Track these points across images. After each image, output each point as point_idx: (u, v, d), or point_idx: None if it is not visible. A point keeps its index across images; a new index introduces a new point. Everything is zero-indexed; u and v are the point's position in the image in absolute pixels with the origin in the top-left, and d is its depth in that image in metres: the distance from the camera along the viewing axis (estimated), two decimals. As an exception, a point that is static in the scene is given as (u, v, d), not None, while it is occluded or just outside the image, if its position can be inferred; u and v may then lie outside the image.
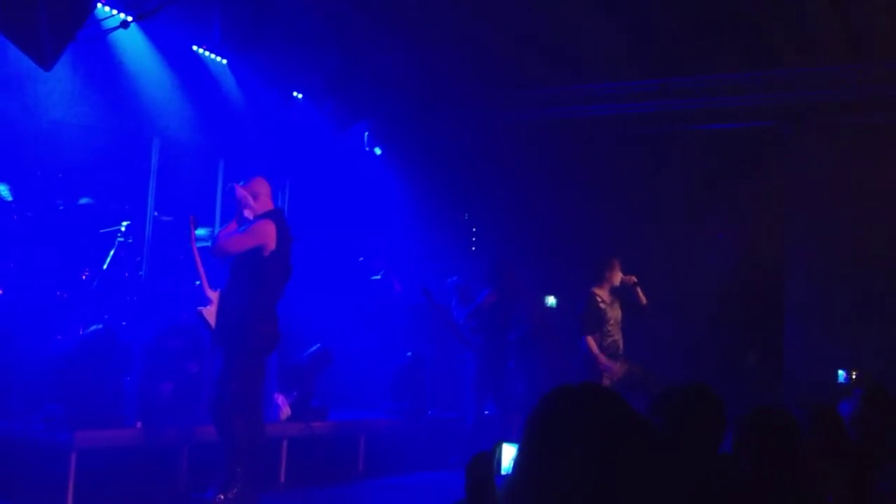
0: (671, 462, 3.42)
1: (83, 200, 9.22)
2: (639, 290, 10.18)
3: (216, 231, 8.86)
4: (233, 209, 7.80)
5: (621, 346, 10.12)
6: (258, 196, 7.72)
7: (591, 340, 9.91)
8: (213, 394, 7.66)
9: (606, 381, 9.77)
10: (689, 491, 3.48)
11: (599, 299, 10.06)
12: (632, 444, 2.53)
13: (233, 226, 7.68)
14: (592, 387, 2.63)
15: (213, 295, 7.55)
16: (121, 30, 8.84)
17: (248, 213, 7.67)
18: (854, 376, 11.37)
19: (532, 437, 2.58)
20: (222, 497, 7.32)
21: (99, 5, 8.94)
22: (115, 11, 9.08)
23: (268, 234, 7.50)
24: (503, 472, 3.09)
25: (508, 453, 3.12)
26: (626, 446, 2.51)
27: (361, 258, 12.67)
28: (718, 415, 4.07)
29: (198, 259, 7.72)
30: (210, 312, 7.50)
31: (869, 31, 11.03)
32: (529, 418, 2.61)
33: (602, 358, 9.85)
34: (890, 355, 11.27)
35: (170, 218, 9.20)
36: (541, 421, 2.58)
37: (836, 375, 11.60)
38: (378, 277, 12.44)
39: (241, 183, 7.83)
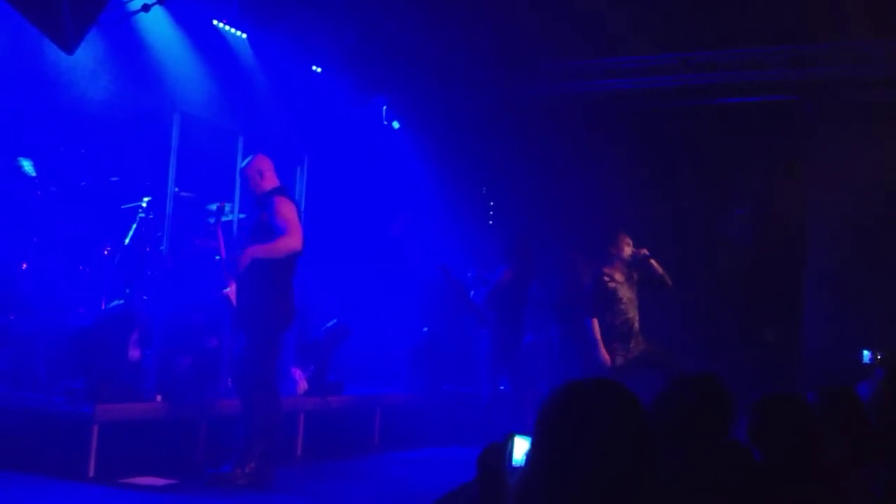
0: (680, 456, 3.46)
1: (114, 179, 9.28)
2: (653, 262, 9.97)
3: (236, 209, 8.95)
4: (248, 195, 7.91)
5: (636, 325, 9.94)
6: (263, 173, 7.83)
7: (594, 324, 9.76)
8: (237, 370, 7.77)
9: (620, 360, 9.72)
10: (698, 484, 3.51)
11: (608, 278, 9.84)
12: (642, 439, 2.56)
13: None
14: (602, 381, 2.66)
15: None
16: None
17: (255, 189, 7.80)
18: (878, 356, 11.24)
19: (544, 431, 2.61)
20: (238, 472, 7.43)
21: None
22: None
23: (293, 212, 7.61)
24: (514, 464, 3.13)
25: (520, 445, 3.16)
26: (636, 441, 2.54)
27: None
28: (726, 404, 4.07)
29: (221, 239, 7.85)
30: (231, 292, 7.62)
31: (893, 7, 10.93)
32: (541, 413, 2.64)
33: (601, 347, 9.69)
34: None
35: (190, 194, 9.25)
36: (552, 416, 2.61)
37: (861, 355, 11.45)
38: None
39: (244, 163, 7.94)
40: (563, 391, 2.64)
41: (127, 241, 9.07)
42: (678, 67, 12.59)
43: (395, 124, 13.15)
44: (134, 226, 9.09)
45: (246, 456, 7.47)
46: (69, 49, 6.59)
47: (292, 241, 7.52)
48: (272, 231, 7.56)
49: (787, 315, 12.73)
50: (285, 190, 7.91)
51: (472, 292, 11.23)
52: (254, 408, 7.54)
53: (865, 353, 11.24)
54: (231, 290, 7.64)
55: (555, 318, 11.18)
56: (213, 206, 8.70)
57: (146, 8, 8.67)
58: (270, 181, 7.84)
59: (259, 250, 7.51)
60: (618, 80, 13.07)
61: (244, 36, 10.87)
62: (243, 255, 7.52)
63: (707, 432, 3.94)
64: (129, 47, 9.62)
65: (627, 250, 9.97)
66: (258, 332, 7.61)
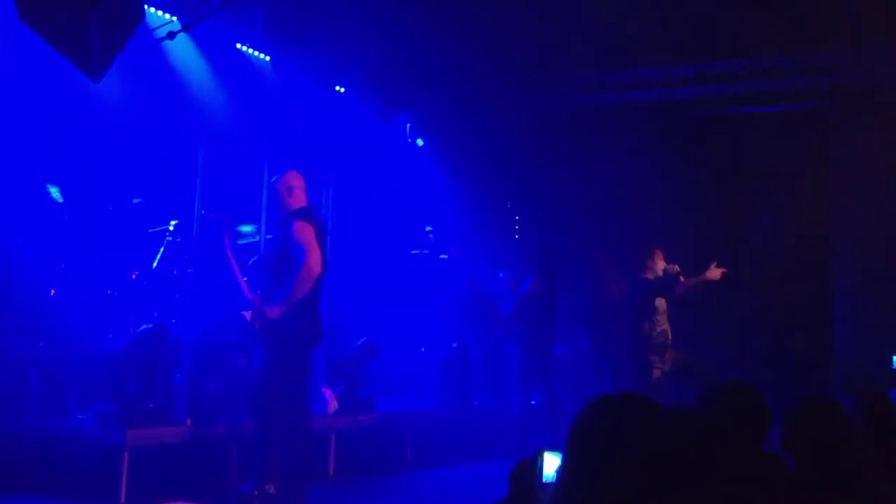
0: (714, 469, 3.44)
1: (135, 200, 9.34)
2: (682, 278, 10.10)
3: (262, 230, 8.97)
4: (276, 207, 7.89)
5: (670, 336, 10.04)
6: (292, 190, 7.73)
7: (647, 326, 9.85)
8: (251, 388, 7.77)
9: (657, 373, 9.74)
10: (733, 496, 3.48)
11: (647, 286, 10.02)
12: (672, 454, 2.55)
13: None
14: (632, 397, 2.65)
15: (255, 298, 7.65)
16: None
17: (282, 206, 7.75)
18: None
19: (574, 447, 2.61)
20: (257, 492, 7.41)
21: (151, 9, 9.03)
22: (166, 15, 9.19)
23: (310, 235, 7.51)
24: (545, 480, 3.14)
25: (550, 461, 3.16)
26: (666, 457, 2.53)
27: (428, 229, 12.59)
28: (761, 412, 4.03)
29: (234, 264, 7.82)
30: (251, 314, 7.61)
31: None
32: (572, 428, 2.64)
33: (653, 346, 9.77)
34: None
35: (217, 216, 9.29)
36: (583, 431, 2.61)
37: (891, 361, 11.42)
38: (444, 256, 12.38)
39: (275, 178, 7.90)
40: (593, 406, 2.64)
41: (155, 264, 9.13)
42: (699, 78, 12.60)
43: (420, 141, 13.17)
44: (161, 249, 9.14)
45: (265, 475, 7.46)
46: (96, 77, 6.63)
47: (310, 269, 7.42)
48: (290, 257, 7.52)
49: (817, 321, 12.69)
50: (309, 211, 7.79)
51: (503, 296, 11.20)
52: (268, 426, 7.54)
53: (895, 358, 11.20)
54: (248, 314, 7.63)
55: (583, 328, 11.20)
56: (247, 228, 8.74)
57: (171, 35, 8.71)
58: (298, 200, 7.74)
59: (278, 309, 7.46)
60: (640, 92, 13.11)
61: (268, 58, 10.92)
62: (265, 313, 7.50)
63: (743, 442, 3.91)
64: (154, 73, 9.67)
65: (661, 265, 10.07)
66: (275, 350, 7.59)
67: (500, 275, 11.48)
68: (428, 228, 12.35)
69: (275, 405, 7.54)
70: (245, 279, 7.84)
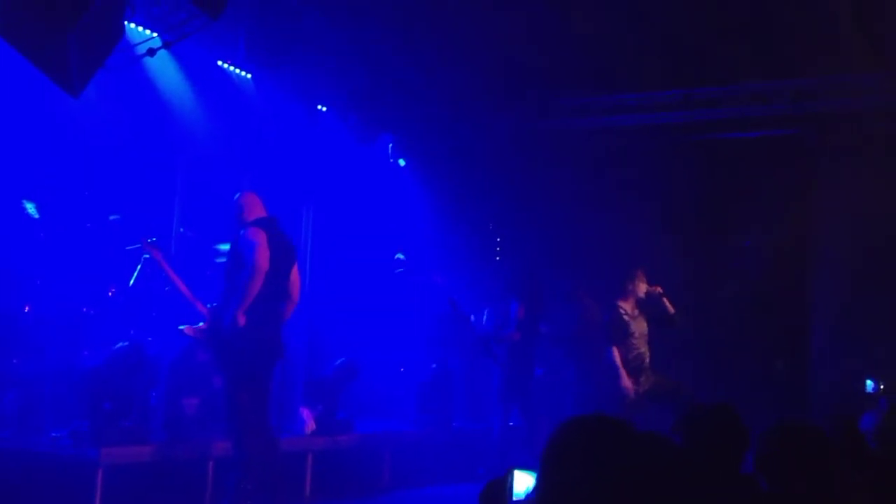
0: (687, 490, 3.43)
1: (113, 217, 9.29)
2: (665, 300, 10.11)
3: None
4: (232, 228, 7.92)
5: (647, 359, 10.06)
6: (247, 206, 7.89)
7: (615, 352, 9.88)
8: (223, 410, 7.76)
9: (632, 395, 9.76)
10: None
11: (623, 311, 10.03)
12: (646, 475, 2.55)
13: None
14: (606, 418, 2.66)
15: (206, 311, 7.67)
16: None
17: (238, 223, 7.86)
18: (882, 386, 11.27)
19: (548, 467, 2.61)
20: None
21: (132, 24, 8.99)
22: (140, 29, 9.14)
23: (261, 237, 7.59)
24: (515, 499, 3.12)
25: (521, 480, 3.15)
26: (640, 477, 2.53)
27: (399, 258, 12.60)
28: (741, 436, 4.06)
29: (176, 279, 7.86)
30: (194, 329, 7.62)
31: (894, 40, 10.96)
32: (546, 449, 2.64)
33: (623, 373, 9.79)
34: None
35: (195, 234, 9.26)
36: (557, 452, 2.62)
37: (865, 385, 11.50)
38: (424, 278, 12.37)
39: (234, 197, 8.02)
40: (568, 427, 2.65)
41: (132, 282, 9.07)
42: (683, 104, 12.65)
43: (402, 161, 13.17)
44: (139, 267, 9.09)
45: (239, 496, 7.42)
46: (74, 92, 6.59)
47: (258, 265, 7.49)
48: (241, 259, 7.58)
49: (796, 346, 12.72)
50: (264, 221, 7.87)
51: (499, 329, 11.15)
52: (242, 446, 7.55)
53: (869, 382, 11.27)
54: (192, 328, 7.65)
55: (564, 351, 11.21)
56: (225, 247, 8.71)
57: (152, 52, 8.68)
58: (253, 214, 7.87)
59: (240, 308, 7.49)
60: (623, 117, 13.14)
61: (249, 76, 10.91)
62: (234, 317, 7.50)
63: (719, 464, 3.93)
64: (135, 90, 9.65)
65: (643, 287, 10.11)
66: (234, 367, 7.61)
67: (485, 315, 11.43)
68: (399, 256, 12.40)
69: (247, 425, 7.53)
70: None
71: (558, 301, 11.64)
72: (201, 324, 7.73)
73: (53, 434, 7.86)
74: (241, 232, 7.71)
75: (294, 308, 8.13)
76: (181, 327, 7.68)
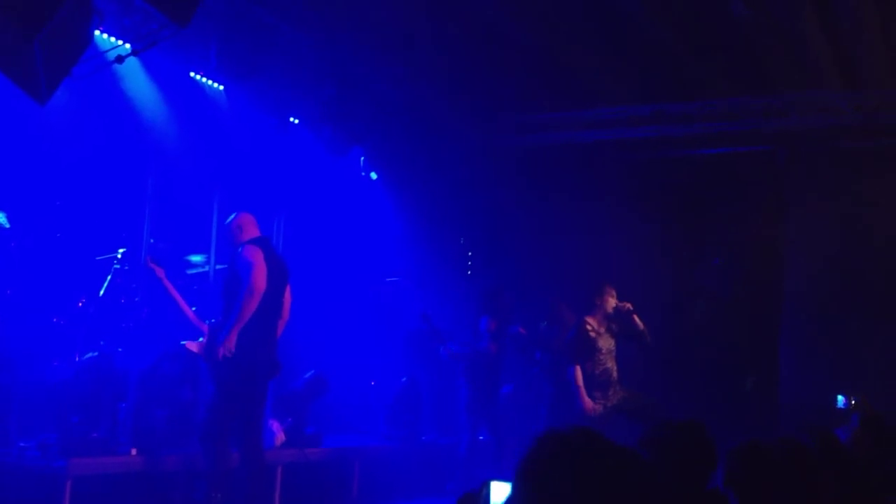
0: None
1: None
2: (635, 317, 10.10)
3: (211, 260, 8.93)
4: (228, 248, 7.95)
5: (615, 375, 10.05)
6: (243, 227, 8.00)
7: (577, 371, 9.87)
8: (200, 419, 7.77)
9: (600, 408, 9.77)
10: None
11: (590, 328, 10.00)
12: (621, 489, 2.55)
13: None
14: (583, 430, 2.65)
15: (205, 327, 7.70)
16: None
17: (234, 243, 7.95)
18: (853, 402, 11.34)
19: (523, 480, 2.60)
20: None
21: (97, 32, 8.93)
22: (112, 39, 9.09)
23: (258, 256, 7.66)
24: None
25: (498, 490, 3.14)
26: (615, 492, 2.52)
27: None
28: (709, 453, 4.07)
29: (177, 296, 7.89)
30: (197, 345, 7.66)
31: (865, 59, 11.06)
32: (522, 461, 2.63)
33: (583, 393, 9.79)
34: (889, 380, 11.28)
35: (165, 245, 9.21)
36: (533, 464, 2.60)
37: (835, 400, 11.56)
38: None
39: (228, 220, 8.10)
40: (543, 439, 2.64)
41: (102, 292, 9.02)
42: (654, 119, 12.67)
43: (373, 175, 13.15)
44: (109, 277, 9.04)
45: None
46: (41, 100, 6.53)
47: (255, 285, 7.57)
48: (238, 278, 7.62)
49: (765, 364, 12.77)
50: (260, 240, 7.99)
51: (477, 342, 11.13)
52: (212, 456, 7.57)
53: (840, 398, 11.33)
54: (194, 343, 7.69)
55: (542, 366, 11.22)
56: (197, 258, 8.70)
57: (120, 59, 8.62)
58: (249, 234, 7.97)
59: (236, 326, 7.51)
60: (595, 132, 13.14)
61: (222, 88, 10.86)
62: (225, 344, 7.51)
63: (687, 480, 3.93)
64: (104, 98, 9.58)
65: (612, 302, 10.09)
66: (226, 380, 7.63)
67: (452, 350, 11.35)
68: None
69: (225, 437, 7.53)
70: (193, 309, 7.86)
71: (534, 317, 11.63)
72: (201, 339, 7.76)
73: (21, 444, 7.78)
74: (238, 251, 7.80)
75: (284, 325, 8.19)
76: (183, 343, 7.70)
